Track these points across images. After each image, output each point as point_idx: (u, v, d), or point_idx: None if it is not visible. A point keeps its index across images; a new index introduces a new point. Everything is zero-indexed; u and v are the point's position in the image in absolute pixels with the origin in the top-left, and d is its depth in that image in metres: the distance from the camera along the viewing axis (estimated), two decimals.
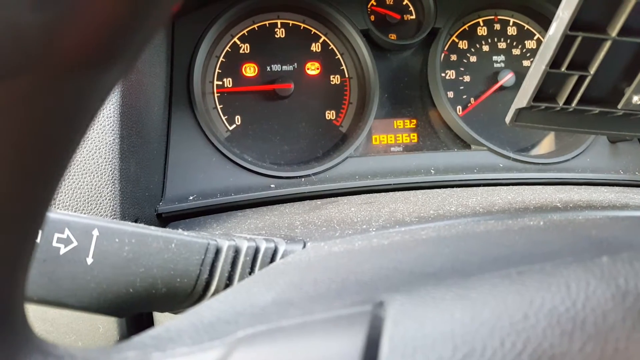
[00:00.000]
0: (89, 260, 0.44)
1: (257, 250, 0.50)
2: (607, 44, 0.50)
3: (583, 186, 0.84)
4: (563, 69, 0.51)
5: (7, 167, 0.20)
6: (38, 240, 0.43)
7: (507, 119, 0.56)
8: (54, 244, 0.43)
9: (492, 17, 1.07)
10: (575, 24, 0.48)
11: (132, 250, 0.45)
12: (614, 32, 0.49)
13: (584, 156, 0.97)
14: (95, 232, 0.44)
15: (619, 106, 0.54)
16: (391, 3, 1.03)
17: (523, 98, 0.53)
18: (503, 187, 0.81)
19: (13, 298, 0.21)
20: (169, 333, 0.28)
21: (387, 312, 0.25)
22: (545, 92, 0.54)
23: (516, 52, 1.06)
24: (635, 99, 0.53)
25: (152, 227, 0.47)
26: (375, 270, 0.34)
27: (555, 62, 0.51)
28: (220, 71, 0.93)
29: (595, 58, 0.51)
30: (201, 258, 0.47)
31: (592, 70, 0.51)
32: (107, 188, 0.61)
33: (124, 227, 0.46)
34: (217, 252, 0.48)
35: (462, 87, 1.04)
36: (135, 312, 0.48)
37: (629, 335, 0.24)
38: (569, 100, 0.54)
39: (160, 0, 0.19)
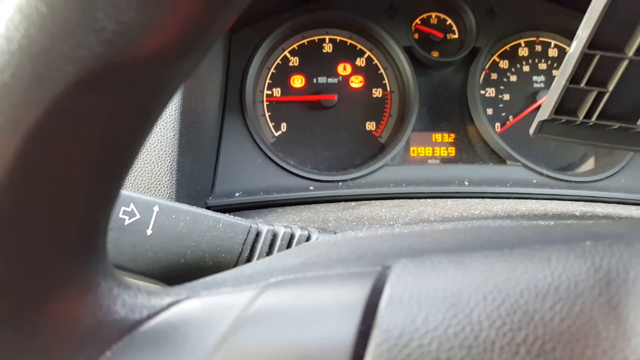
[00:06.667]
0: (149, 232, 0.51)
1: (292, 236, 0.56)
2: (625, 63, 0.53)
3: (613, 204, 0.85)
4: (582, 84, 0.55)
5: (102, 140, 0.26)
6: None
7: (531, 130, 0.60)
8: (120, 215, 0.51)
9: (534, 38, 1.10)
10: (594, 43, 0.52)
11: (186, 226, 0.52)
12: (630, 52, 0.52)
13: (619, 176, 0.98)
14: (156, 208, 0.52)
15: (639, 122, 0.57)
16: (435, 22, 1.08)
17: (545, 111, 0.58)
18: (533, 200, 0.84)
19: (101, 228, 0.28)
20: (216, 280, 0.34)
21: (392, 270, 0.31)
22: (566, 107, 0.58)
23: (556, 73, 1.08)
24: None
25: (203, 209, 0.55)
26: (391, 247, 0.39)
27: (575, 78, 0.55)
28: (270, 81, 1.02)
29: (613, 75, 0.55)
30: (243, 238, 0.54)
31: (611, 87, 0.55)
32: (165, 177, 0.69)
33: (180, 206, 0.53)
34: (258, 234, 0.55)
35: (501, 105, 1.08)
36: (184, 283, 0.55)
37: (594, 299, 0.28)
38: (588, 115, 0.57)
39: (229, 7, 0.26)
